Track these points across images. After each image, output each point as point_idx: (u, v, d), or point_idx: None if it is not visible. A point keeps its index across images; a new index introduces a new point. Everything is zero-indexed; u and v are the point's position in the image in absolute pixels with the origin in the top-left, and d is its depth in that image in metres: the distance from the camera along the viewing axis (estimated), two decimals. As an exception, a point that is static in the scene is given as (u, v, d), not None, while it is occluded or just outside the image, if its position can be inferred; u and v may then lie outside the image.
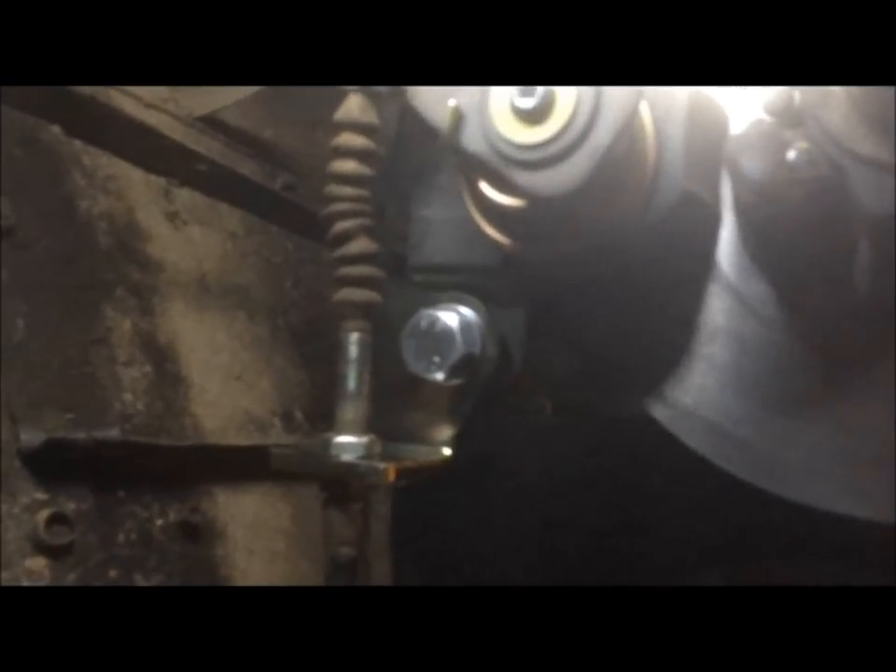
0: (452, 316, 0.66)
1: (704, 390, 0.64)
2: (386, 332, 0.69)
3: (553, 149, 0.53)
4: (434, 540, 1.03)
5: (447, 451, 0.68)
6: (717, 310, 0.63)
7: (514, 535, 1.06)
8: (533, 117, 0.53)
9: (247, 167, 1.00)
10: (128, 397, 0.72)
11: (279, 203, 1.04)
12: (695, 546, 0.99)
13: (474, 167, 0.58)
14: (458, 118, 0.55)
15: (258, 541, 0.81)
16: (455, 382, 0.67)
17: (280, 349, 0.94)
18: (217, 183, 0.94)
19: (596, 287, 0.66)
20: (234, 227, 0.95)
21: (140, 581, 0.68)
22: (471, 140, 0.56)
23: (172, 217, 0.86)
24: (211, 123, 0.96)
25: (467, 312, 0.67)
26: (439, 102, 0.56)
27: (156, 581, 0.69)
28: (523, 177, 0.54)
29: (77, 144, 0.80)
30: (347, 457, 0.62)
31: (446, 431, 0.69)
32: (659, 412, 0.65)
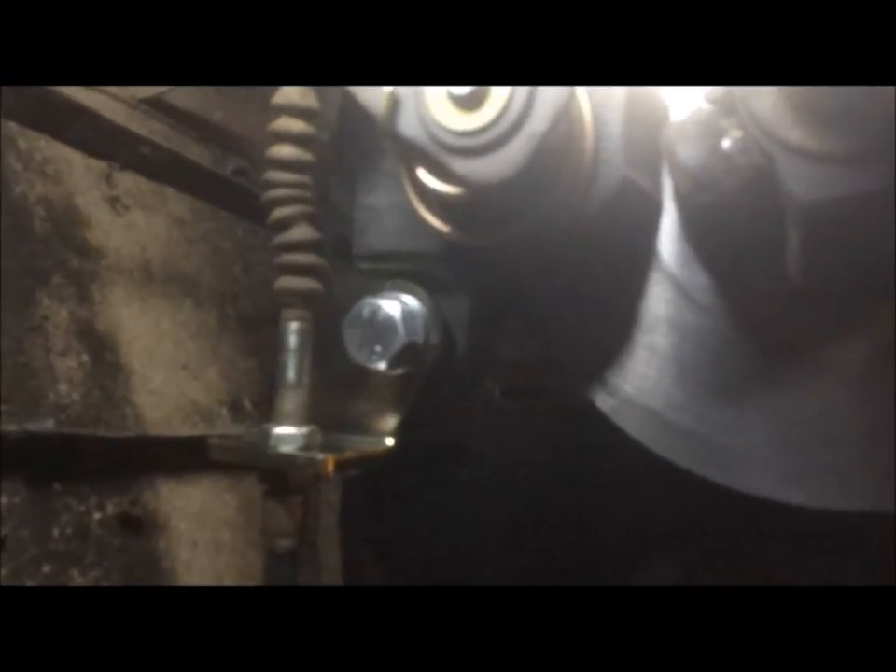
0: (394, 305, 0.65)
1: (645, 378, 0.64)
2: (332, 321, 0.68)
3: (488, 136, 0.52)
4: (387, 527, 1.03)
5: (390, 441, 0.68)
6: (658, 298, 0.63)
7: (469, 522, 1.06)
8: (468, 103, 0.52)
9: (195, 151, 0.98)
10: (63, 387, 0.70)
11: (229, 188, 1.02)
12: (647, 531, 1.00)
13: (411, 154, 0.57)
14: (394, 103, 0.54)
15: (202, 533, 0.80)
16: (399, 371, 0.66)
17: (228, 337, 0.92)
18: (163, 167, 0.92)
19: (540, 275, 0.65)
20: (181, 212, 0.93)
21: (76, 575, 0.67)
22: (408, 126, 0.55)
23: (113, 202, 0.84)
24: (156, 105, 0.94)
25: (409, 300, 0.67)
26: (375, 87, 0.55)
27: (94, 575, 0.68)
28: (459, 164, 0.53)
29: (12, 126, 0.77)
30: (286, 448, 0.61)
31: (390, 420, 0.69)
32: (601, 400, 0.65)
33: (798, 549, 0.88)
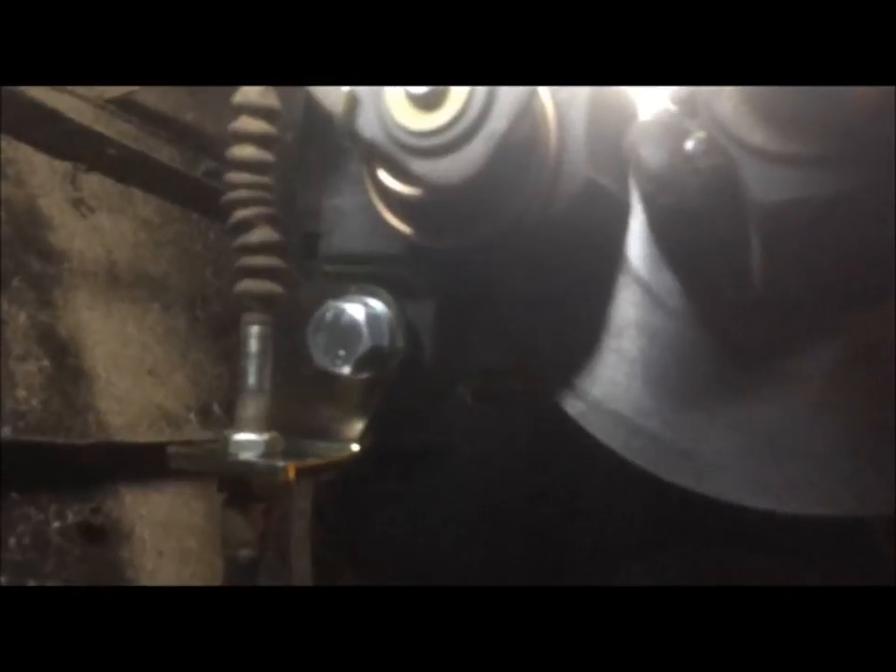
0: (358, 309, 0.64)
1: (613, 383, 0.63)
2: (296, 324, 0.66)
3: (448, 136, 0.51)
4: (360, 533, 1.01)
5: (355, 447, 0.66)
6: (626, 301, 0.62)
7: (444, 526, 1.05)
8: (427, 103, 0.51)
9: (165, 152, 0.96)
10: (21, 393, 0.68)
11: (201, 189, 1.00)
12: (618, 534, 1.00)
13: (372, 154, 0.56)
14: (353, 103, 0.53)
15: (168, 541, 0.78)
16: (363, 375, 0.65)
17: (197, 341, 0.91)
18: (131, 169, 0.91)
19: (507, 278, 0.64)
20: (149, 214, 0.92)
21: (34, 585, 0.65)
22: (367, 126, 0.54)
23: (77, 203, 0.82)
24: (125, 106, 0.92)
25: (374, 303, 0.66)
26: (334, 87, 0.54)
27: (53, 585, 0.66)
28: (419, 165, 0.52)
29: (-29, 126, 0.76)
30: (246, 455, 0.60)
31: (356, 426, 0.68)
32: (570, 404, 0.64)
33: (770, 555, 0.87)
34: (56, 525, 0.68)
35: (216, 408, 0.90)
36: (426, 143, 0.51)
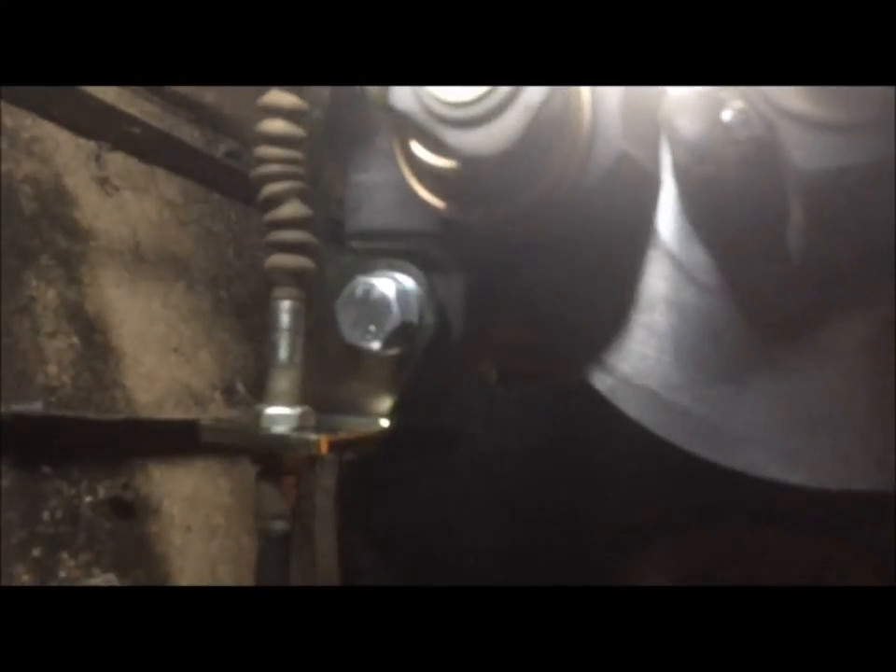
0: (388, 284, 0.64)
1: (643, 358, 0.63)
2: (325, 300, 0.66)
3: (483, 107, 0.51)
4: (384, 512, 1.02)
5: (385, 422, 0.66)
6: (657, 276, 0.62)
7: (467, 507, 1.06)
8: (463, 72, 0.51)
9: (187, 132, 0.97)
10: (52, 369, 0.69)
11: (222, 170, 1.00)
12: (645, 516, 1.00)
13: (405, 127, 0.56)
14: (387, 74, 0.53)
15: (196, 517, 0.79)
16: (393, 351, 0.65)
17: (222, 320, 0.91)
18: (154, 148, 0.91)
19: (537, 253, 0.64)
20: (172, 194, 0.92)
21: (66, 559, 0.66)
22: (401, 98, 0.53)
23: (102, 182, 0.82)
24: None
25: (404, 279, 0.65)
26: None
27: (84, 559, 0.67)
28: (453, 136, 0.52)
29: (-4, 103, 0.76)
30: (278, 429, 0.60)
31: (385, 402, 0.68)
32: (598, 380, 0.64)
33: (796, 532, 0.87)
34: (88, 499, 0.69)
35: (240, 387, 0.90)
36: (461, 113, 0.51)
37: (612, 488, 1.03)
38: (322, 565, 0.93)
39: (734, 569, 0.93)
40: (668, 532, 1.00)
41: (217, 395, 0.87)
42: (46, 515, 0.65)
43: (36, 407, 0.65)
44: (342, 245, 0.70)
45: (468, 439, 1.07)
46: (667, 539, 1.00)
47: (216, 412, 0.85)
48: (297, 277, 0.62)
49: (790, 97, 0.45)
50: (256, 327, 0.94)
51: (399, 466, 1.02)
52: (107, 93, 0.85)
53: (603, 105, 0.56)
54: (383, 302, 0.64)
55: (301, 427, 0.61)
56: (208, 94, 1.02)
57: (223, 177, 1.00)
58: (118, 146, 0.86)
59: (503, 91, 0.50)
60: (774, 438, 0.60)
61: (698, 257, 0.60)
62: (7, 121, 0.76)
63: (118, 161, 0.86)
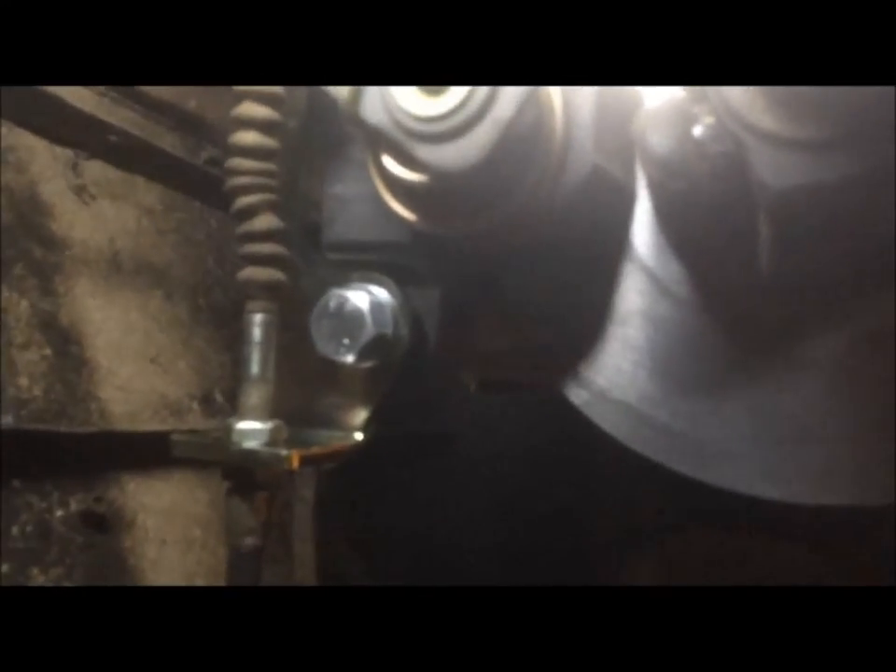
0: (362, 296, 0.64)
1: (618, 372, 0.62)
2: (300, 313, 0.66)
3: (453, 122, 0.50)
4: (364, 522, 1.01)
5: (359, 435, 0.66)
6: (632, 289, 0.62)
7: (448, 515, 1.05)
8: (433, 88, 0.50)
9: (167, 140, 0.96)
10: (23, 381, 0.68)
11: (203, 177, 0.99)
12: (630, 524, 0.99)
13: (377, 140, 0.56)
14: (358, 88, 0.53)
15: (172, 530, 0.78)
16: (368, 364, 0.65)
17: (200, 330, 0.91)
18: (133, 156, 0.90)
19: (511, 266, 0.64)
20: (151, 202, 0.91)
21: (37, 574, 0.65)
22: (372, 112, 0.53)
23: (79, 191, 0.82)
24: (127, 93, 0.91)
25: (378, 291, 0.65)
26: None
27: (55, 574, 0.66)
28: (424, 151, 0.52)
29: (-29, 112, 0.75)
30: (250, 444, 0.60)
31: (360, 415, 0.67)
32: (574, 394, 0.64)
33: (781, 544, 0.87)
34: (59, 513, 0.68)
35: (218, 397, 0.89)
36: (431, 128, 0.51)
37: (611, 488, 1.02)
38: (300, 575, 0.92)
39: (734, 569, 0.93)
40: (668, 532, 1.00)
41: (195, 405, 0.86)
42: (15, 530, 0.64)
43: (7, 421, 0.65)
44: (319, 255, 0.69)
45: (462, 441, 1.06)
46: (667, 539, 0.99)
47: (193, 422, 0.84)
48: (270, 290, 0.62)
49: (758, 114, 0.44)
50: (235, 336, 0.93)
51: (381, 474, 1.02)
52: (85, 102, 0.84)
53: (575, 118, 0.56)
54: (356, 315, 0.63)
55: (272, 441, 0.60)
56: (190, 101, 1.01)
57: (204, 185, 0.99)
58: (96, 154, 0.85)
59: (473, 105, 0.50)
60: (751, 452, 0.59)
61: (673, 270, 0.60)
62: (-18, 131, 0.75)
63: (95, 170, 0.85)
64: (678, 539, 0.97)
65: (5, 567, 0.63)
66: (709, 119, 0.49)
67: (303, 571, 0.91)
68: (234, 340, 0.95)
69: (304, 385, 0.67)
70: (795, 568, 0.84)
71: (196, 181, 0.98)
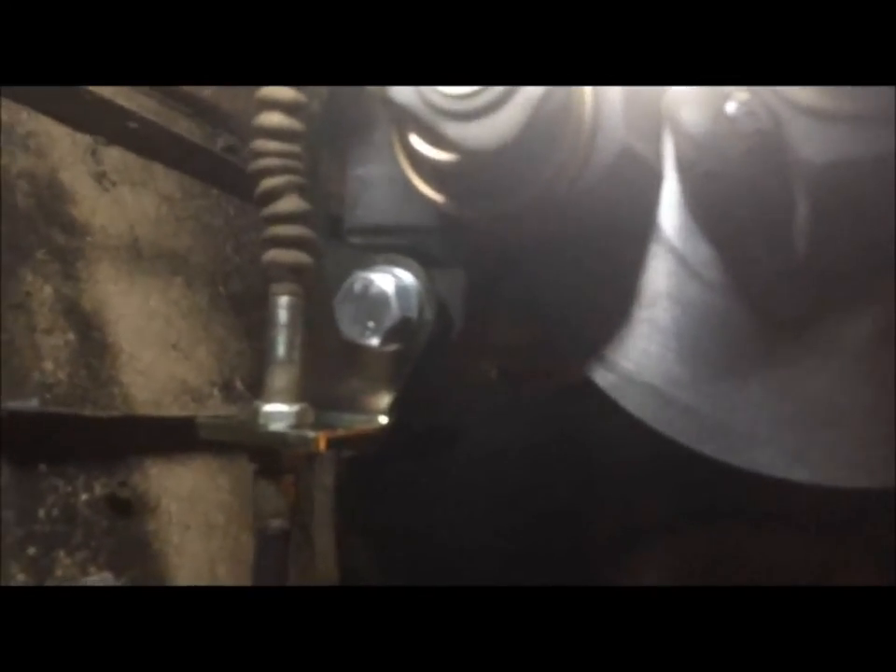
0: (387, 279, 0.64)
1: (646, 354, 0.62)
2: (324, 296, 0.66)
3: (483, 99, 0.50)
4: (383, 510, 1.01)
5: (384, 419, 0.66)
6: (659, 272, 0.61)
7: (465, 505, 1.05)
8: (463, 65, 0.50)
9: (185, 127, 0.95)
10: (48, 366, 0.68)
11: (220, 164, 0.99)
12: (645, 515, 0.99)
13: (404, 120, 0.55)
14: (386, 66, 0.52)
15: (194, 515, 0.78)
16: (392, 347, 0.65)
17: (220, 317, 0.90)
18: (151, 143, 0.90)
19: (538, 249, 0.63)
20: (170, 189, 0.91)
21: (63, 557, 0.65)
22: (400, 91, 0.53)
23: (99, 177, 0.82)
24: (144, 80, 0.91)
25: (403, 275, 0.65)
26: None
27: (81, 557, 0.66)
28: (453, 129, 0.51)
29: (-8, 99, 0.75)
30: (276, 426, 0.60)
31: (384, 398, 0.67)
32: (600, 376, 0.63)
33: (796, 531, 0.86)
34: (84, 497, 0.68)
35: (238, 383, 0.89)
36: (460, 106, 0.51)
37: (612, 488, 1.02)
38: (321, 564, 0.92)
39: (734, 569, 0.93)
40: (668, 532, 0.99)
41: (216, 391, 0.86)
42: (42, 513, 0.64)
43: (32, 404, 0.65)
44: (340, 241, 0.69)
45: (467, 437, 1.06)
46: (667, 538, 0.99)
47: (214, 408, 0.84)
48: (295, 273, 0.62)
49: (797, 88, 0.44)
50: (254, 323, 0.93)
51: (398, 465, 1.02)
52: (104, 88, 0.84)
53: (605, 98, 0.55)
54: (381, 298, 0.63)
55: (299, 424, 0.60)
56: (206, 89, 1.01)
57: (221, 172, 0.99)
58: (115, 140, 0.85)
59: (504, 83, 0.49)
60: (779, 435, 0.59)
61: (702, 252, 0.60)
62: (3, 116, 0.75)
63: (115, 156, 0.85)
64: (685, 537, 0.97)
65: (31, 551, 0.63)
66: (743, 95, 0.49)
67: (323, 559, 0.92)
68: (253, 326, 0.96)
69: (328, 368, 0.67)
70: (820, 561, 0.84)
71: (214, 168, 0.98)
